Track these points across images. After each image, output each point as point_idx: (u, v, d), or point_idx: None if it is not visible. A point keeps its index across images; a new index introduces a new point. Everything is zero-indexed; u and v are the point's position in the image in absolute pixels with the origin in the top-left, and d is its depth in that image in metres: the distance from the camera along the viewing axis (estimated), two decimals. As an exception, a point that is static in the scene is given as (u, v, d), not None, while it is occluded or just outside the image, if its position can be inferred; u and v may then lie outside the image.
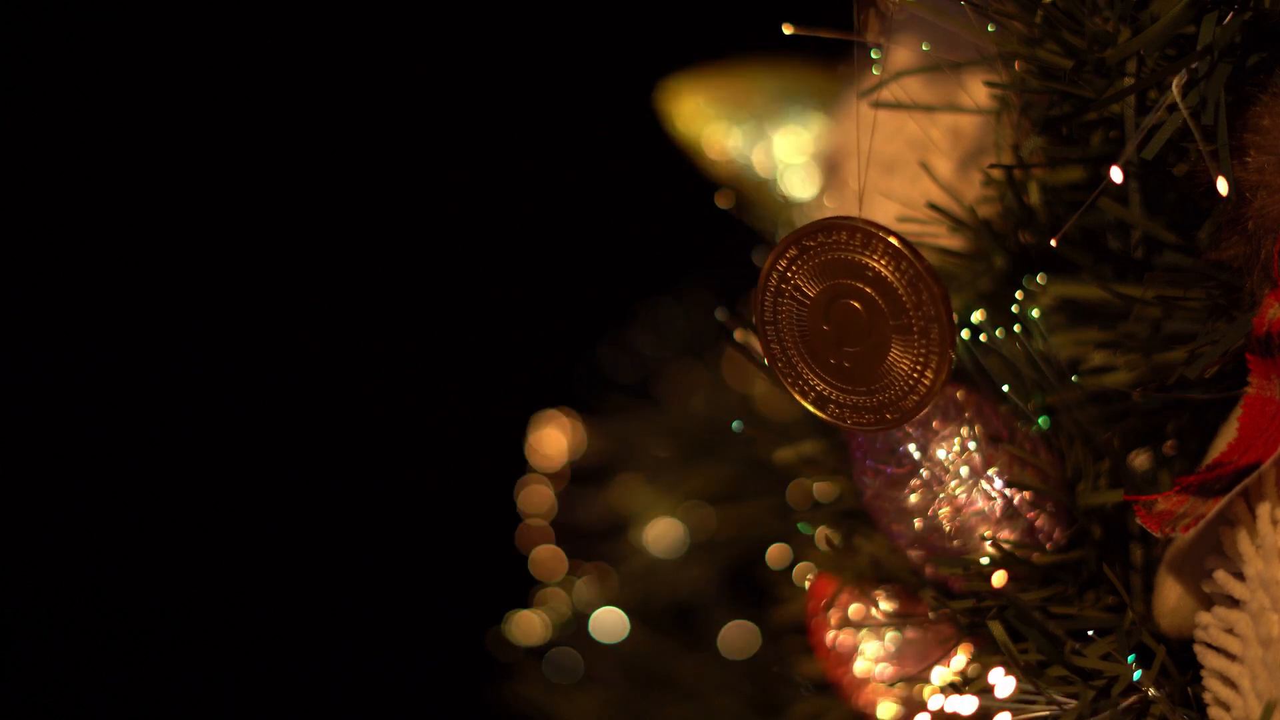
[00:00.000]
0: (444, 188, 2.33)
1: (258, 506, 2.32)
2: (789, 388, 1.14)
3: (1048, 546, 1.18)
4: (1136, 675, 1.13)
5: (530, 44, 2.31)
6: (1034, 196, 1.21)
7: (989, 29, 1.13)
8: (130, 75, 2.28)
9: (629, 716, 1.70)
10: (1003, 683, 1.14)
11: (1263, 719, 1.07)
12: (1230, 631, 1.09)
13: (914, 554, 1.20)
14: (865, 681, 1.29)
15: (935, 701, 1.16)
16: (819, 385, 1.13)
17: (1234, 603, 1.09)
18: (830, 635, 1.30)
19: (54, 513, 2.29)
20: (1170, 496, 1.10)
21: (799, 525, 1.30)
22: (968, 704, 1.15)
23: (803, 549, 1.38)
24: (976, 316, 1.20)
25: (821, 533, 1.27)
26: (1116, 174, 1.11)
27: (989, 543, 1.17)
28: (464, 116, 2.33)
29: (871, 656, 1.29)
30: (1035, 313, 1.19)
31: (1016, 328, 1.18)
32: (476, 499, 2.14)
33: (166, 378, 2.31)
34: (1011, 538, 1.17)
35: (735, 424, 1.56)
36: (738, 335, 1.28)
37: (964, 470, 1.17)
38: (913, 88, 1.24)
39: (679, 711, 1.68)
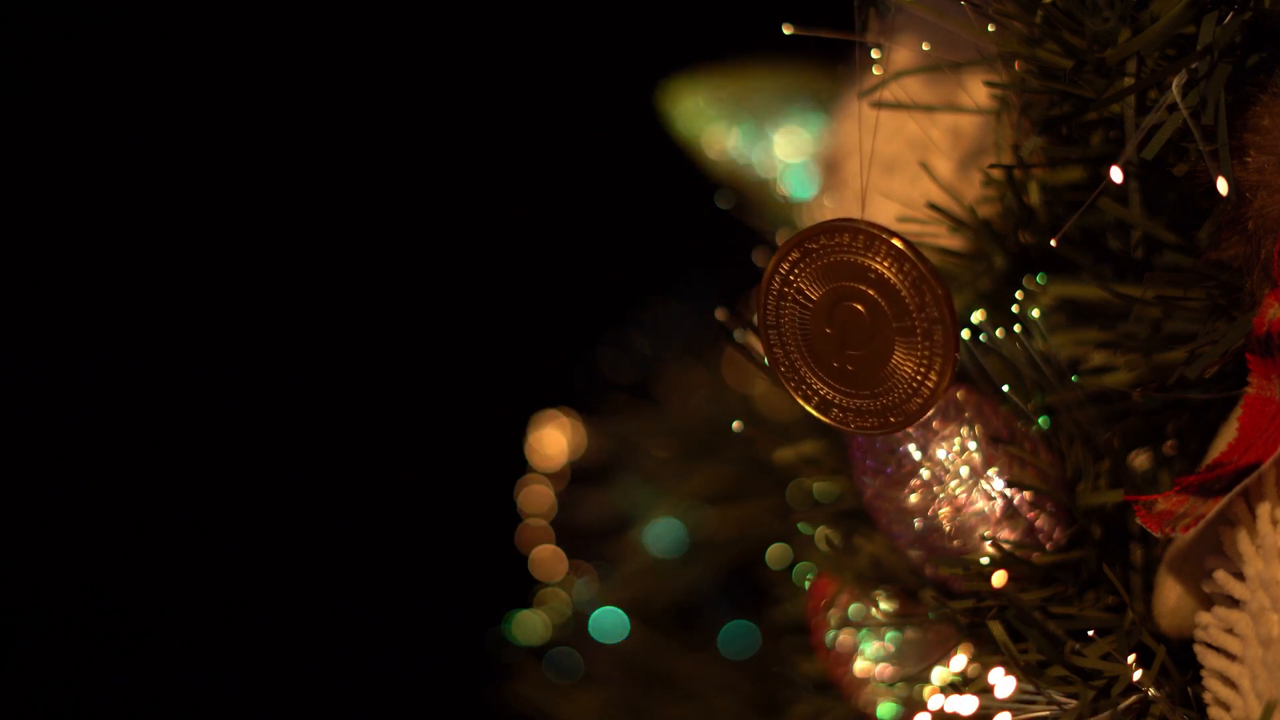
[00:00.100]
0: (444, 188, 2.33)
1: (258, 506, 2.32)
2: (792, 392, 1.14)
3: (1048, 546, 1.18)
4: (1136, 675, 1.13)
5: (530, 44, 2.31)
6: (1034, 196, 1.21)
7: (989, 29, 1.13)
8: (130, 75, 2.28)
9: (629, 716, 1.70)
10: (1003, 683, 1.14)
11: (1263, 719, 1.07)
12: (1230, 631, 1.09)
13: (914, 554, 1.20)
14: (865, 681, 1.29)
15: (935, 701, 1.16)
16: (822, 389, 1.13)
17: (1234, 603, 1.09)
18: (830, 635, 1.30)
19: (54, 513, 2.29)
20: (1170, 496, 1.10)
21: (799, 525, 1.30)
22: (968, 704, 1.15)
23: (803, 549, 1.38)
24: (976, 316, 1.20)
25: (821, 533, 1.27)
26: (1116, 174, 1.11)
27: (989, 543, 1.17)
28: (464, 116, 2.33)
29: (871, 656, 1.29)
30: (1035, 313, 1.19)
31: (1016, 328, 1.18)
32: (476, 499, 2.14)
33: (166, 378, 2.31)
34: (1011, 538, 1.17)
35: (735, 424, 1.56)
36: (738, 335, 1.28)
37: (964, 470, 1.17)
38: (913, 88, 1.24)
39: (679, 711, 1.68)
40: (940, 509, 1.18)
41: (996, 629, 1.15)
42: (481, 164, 2.32)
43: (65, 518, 2.29)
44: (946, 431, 1.17)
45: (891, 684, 1.27)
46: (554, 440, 1.82)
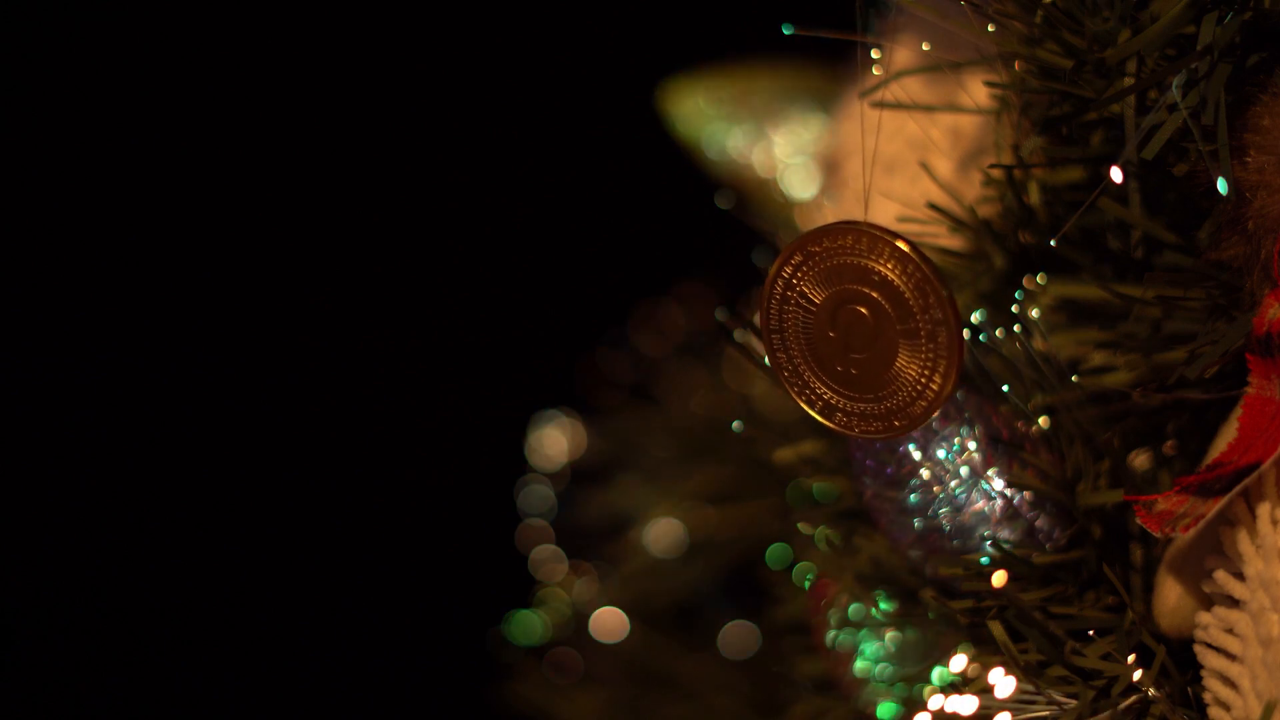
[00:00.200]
0: (444, 188, 2.33)
1: (258, 506, 2.32)
2: (796, 397, 1.13)
3: (1048, 546, 1.18)
4: (1136, 675, 1.13)
5: (530, 44, 2.31)
6: (1034, 196, 1.21)
7: (989, 29, 1.13)
8: (130, 75, 2.28)
9: (629, 716, 1.70)
10: (1003, 683, 1.14)
11: (1263, 719, 1.07)
12: (1230, 631, 1.09)
13: (914, 554, 1.20)
14: (865, 681, 1.29)
15: (935, 701, 1.16)
16: (826, 394, 1.13)
17: (1234, 603, 1.09)
18: (830, 635, 1.30)
19: (54, 513, 2.29)
20: (1170, 496, 1.10)
21: (799, 525, 1.30)
22: (968, 704, 1.15)
23: (803, 549, 1.38)
24: (976, 316, 1.20)
25: (821, 533, 1.27)
26: (1116, 174, 1.11)
27: (989, 543, 1.17)
28: (464, 116, 2.33)
29: (871, 656, 1.29)
30: (1035, 313, 1.19)
31: (1016, 328, 1.18)
32: (476, 499, 2.14)
33: (166, 378, 2.31)
34: (1011, 538, 1.17)
35: (735, 424, 1.56)
36: (738, 336, 1.28)
37: (964, 470, 1.17)
38: (913, 88, 1.24)
39: (679, 711, 1.68)
40: (940, 509, 1.18)
41: (996, 629, 1.15)
42: (481, 164, 2.32)
43: (65, 518, 2.29)
44: (946, 431, 1.17)
45: (891, 684, 1.27)
46: (554, 440, 1.82)
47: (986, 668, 1.15)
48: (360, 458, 2.34)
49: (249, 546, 2.31)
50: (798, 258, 1.11)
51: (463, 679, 1.83)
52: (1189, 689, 1.14)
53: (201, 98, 2.30)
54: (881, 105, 1.21)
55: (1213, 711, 1.11)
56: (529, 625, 1.75)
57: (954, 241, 1.24)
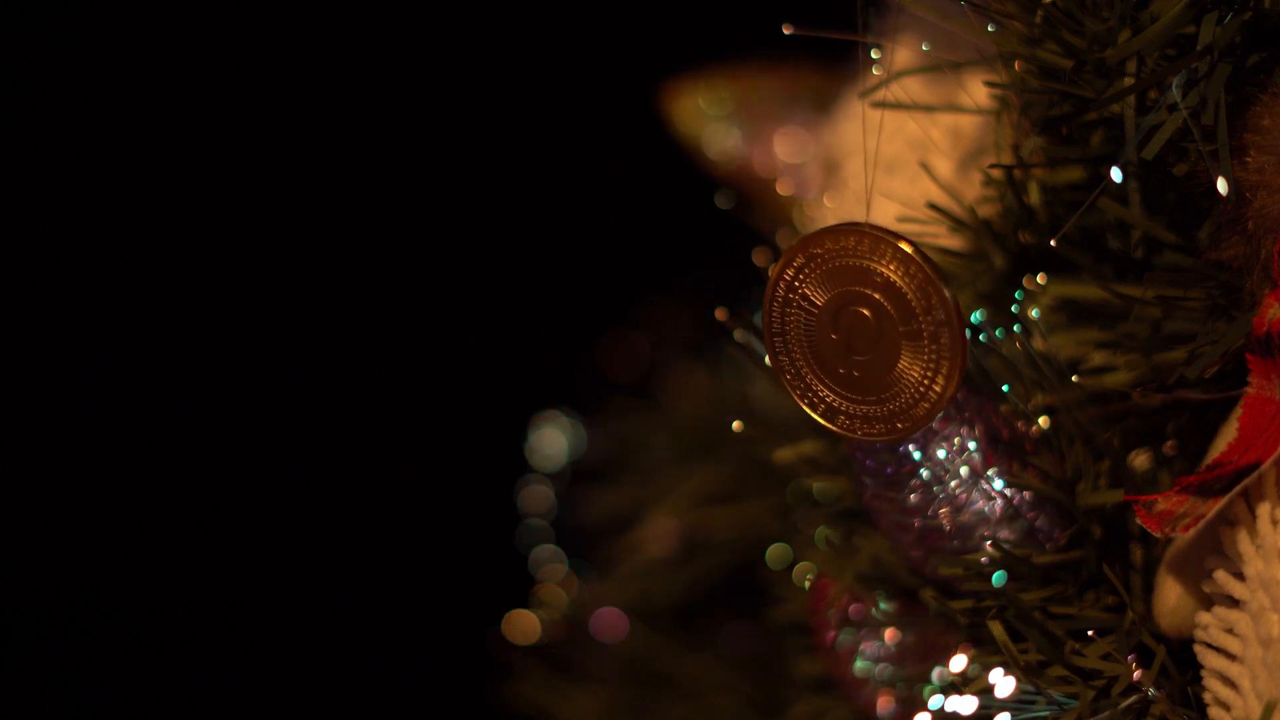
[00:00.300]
0: (444, 188, 2.33)
1: (258, 506, 2.32)
2: (798, 399, 1.13)
3: (1048, 546, 1.18)
4: (1136, 675, 1.13)
5: (530, 44, 2.31)
6: (1034, 196, 1.21)
7: (989, 29, 1.13)
8: (130, 75, 2.28)
9: (629, 716, 1.70)
10: (1003, 683, 1.14)
11: (1263, 719, 1.07)
12: (1230, 631, 1.09)
13: (914, 554, 1.20)
14: (865, 681, 1.29)
15: (935, 701, 1.16)
16: (829, 396, 1.13)
17: (1234, 603, 1.09)
18: (830, 635, 1.30)
19: (54, 513, 2.29)
20: (1170, 496, 1.10)
21: (799, 525, 1.30)
22: (968, 704, 1.15)
23: (803, 549, 1.38)
24: (976, 316, 1.20)
25: (821, 533, 1.27)
26: (1116, 174, 1.11)
27: (989, 543, 1.17)
28: (464, 116, 2.33)
29: (871, 656, 1.29)
30: (1035, 313, 1.19)
31: (1016, 328, 1.18)
32: (476, 499, 2.14)
33: (166, 378, 2.31)
34: (1011, 538, 1.17)
35: (735, 424, 1.56)
36: (738, 336, 1.28)
37: (964, 470, 1.17)
38: (913, 88, 1.24)
39: (679, 711, 1.68)
40: (940, 509, 1.18)
41: (996, 629, 1.15)
42: (481, 164, 2.32)
43: (65, 518, 2.29)
44: (946, 431, 1.17)
45: (891, 684, 1.27)
46: (554, 440, 1.82)
47: (986, 668, 1.15)
48: (360, 458, 2.34)
49: (249, 546, 2.31)
50: (800, 259, 1.11)
51: (463, 679, 1.83)
52: (1189, 689, 1.14)
53: (201, 98, 2.30)
54: (881, 105, 1.21)
55: (1213, 711, 1.11)
56: (528, 625, 1.75)
57: (954, 241, 1.24)
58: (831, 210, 1.44)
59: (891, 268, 1.09)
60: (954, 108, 1.26)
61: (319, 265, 2.34)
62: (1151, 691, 1.13)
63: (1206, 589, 1.11)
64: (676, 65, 1.68)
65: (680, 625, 1.71)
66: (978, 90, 1.23)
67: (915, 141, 1.31)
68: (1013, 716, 1.14)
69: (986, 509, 1.17)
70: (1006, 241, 1.23)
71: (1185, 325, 1.16)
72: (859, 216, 1.11)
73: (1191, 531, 1.08)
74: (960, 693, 1.15)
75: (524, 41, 2.31)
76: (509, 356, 2.32)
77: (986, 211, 1.23)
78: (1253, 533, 1.08)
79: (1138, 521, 1.11)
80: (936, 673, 1.20)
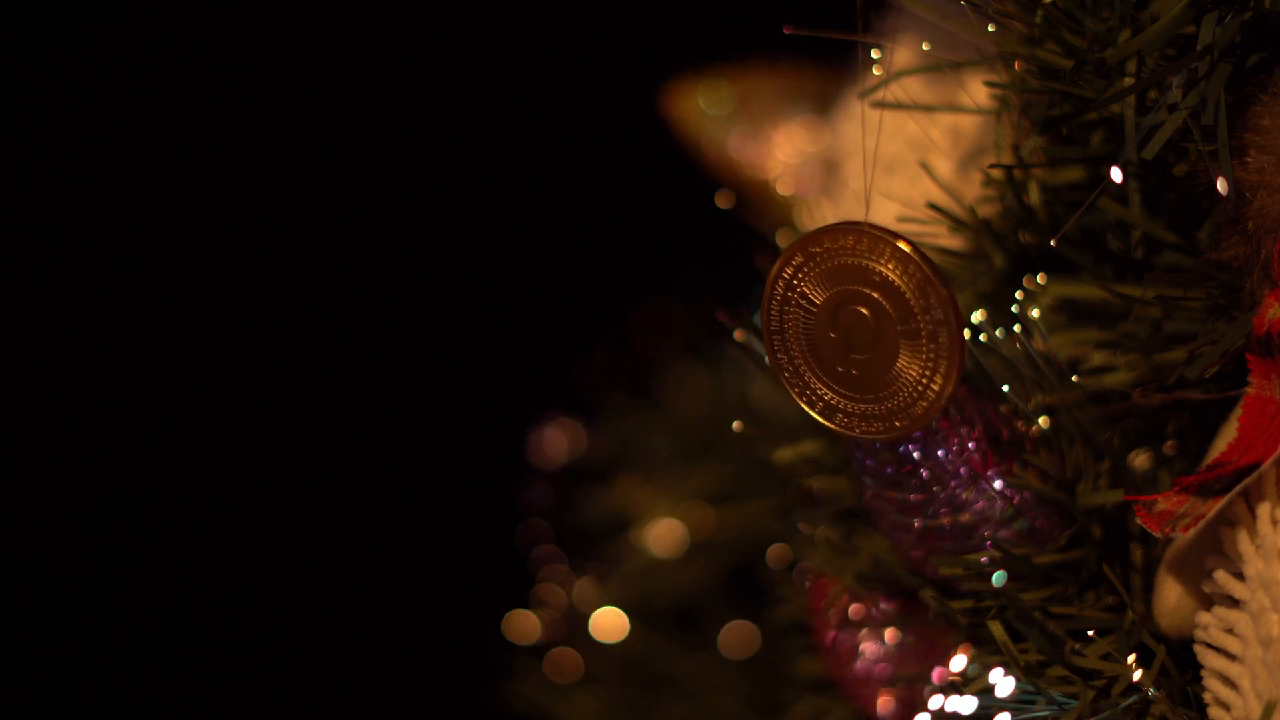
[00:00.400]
0: (444, 188, 2.33)
1: (258, 506, 2.32)
2: (796, 398, 1.13)
3: (1048, 546, 1.18)
4: (1136, 675, 1.13)
5: (530, 44, 2.31)
6: (1034, 196, 1.21)
7: (989, 29, 1.13)
8: (130, 75, 2.28)
9: (629, 716, 1.70)
10: (1003, 683, 1.14)
11: (1263, 719, 1.07)
12: (1230, 631, 1.09)
13: (914, 554, 1.20)
14: (865, 681, 1.29)
15: (935, 701, 1.16)
16: (827, 394, 1.13)
17: (1234, 603, 1.09)
18: (830, 635, 1.30)
19: (54, 513, 2.29)
20: (1170, 496, 1.10)
21: (799, 525, 1.30)
22: (968, 704, 1.15)
23: (803, 549, 1.38)
24: (976, 316, 1.20)
25: (821, 533, 1.27)
26: (1116, 174, 1.11)
27: (989, 543, 1.17)
28: (464, 116, 2.33)
29: (871, 656, 1.29)
30: (1035, 313, 1.19)
31: (1016, 328, 1.18)
32: (476, 499, 2.14)
33: (166, 378, 2.31)
34: (1011, 538, 1.17)
35: (735, 424, 1.56)
36: (738, 335, 1.28)
37: (964, 470, 1.17)
38: (913, 88, 1.24)
39: (679, 711, 1.68)
40: (940, 509, 1.18)
41: (996, 629, 1.15)
42: (481, 164, 2.32)
43: (65, 518, 2.29)
44: (946, 431, 1.17)
45: (891, 684, 1.27)
46: (554, 440, 1.82)
47: (986, 668, 1.15)
48: (360, 458, 2.34)
49: (249, 546, 2.31)
50: (798, 258, 1.11)
51: (463, 679, 1.83)
52: (1189, 689, 1.14)
53: (201, 98, 2.30)
54: (881, 105, 1.21)
55: (1213, 711, 1.11)
56: (529, 625, 1.75)
57: (954, 241, 1.24)
58: (832, 210, 1.44)
59: (890, 267, 1.09)
60: (954, 108, 1.26)
61: (319, 265, 2.34)
62: (1151, 691, 1.13)
63: (1206, 589, 1.11)
64: (676, 65, 1.68)
65: (680, 625, 1.71)
66: (978, 90, 1.23)
67: (915, 141, 1.31)
68: (1013, 716, 1.14)
69: (986, 509, 1.17)
70: (1006, 241, 1.23)
71: (1185, 325, 1.16)
72: (858, 216, 1.11)
73: (1191, 531, 1.08)
74: (960, 693, 1.15)
75: (524, 41, 2.31)
76: (509, 356, 2.32)
77: (986, 211, 1.23)
78: (1253, 533, 1.08)
79: (1138, 521, 1.11)
80: (936, 673, 1.20)
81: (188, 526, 2.31)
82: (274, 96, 2.31)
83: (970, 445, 1.17)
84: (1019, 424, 1.18)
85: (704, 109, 1.66)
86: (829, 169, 1.49)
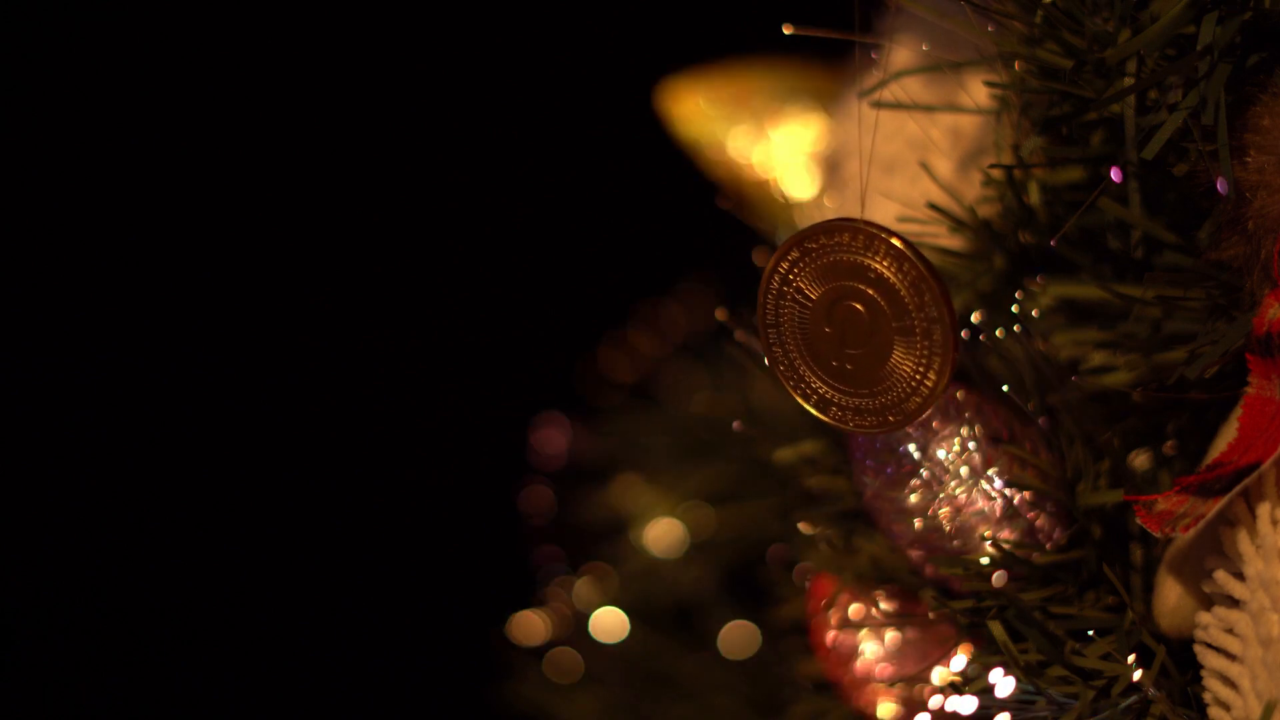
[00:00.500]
0: (444, 188, 2.33)
1: (258, 506, 2.32)
2: (791, 391, 1.14)
3: (1048, 546, 1.18)
4: (1136, 675, 1.13)
5: (530, 44, 2.31)
6: (1034, 196, 1.21)
7: (989, 29, 1.13)
8: (130, 75, 2.28)
9: (629, 716, 1.70)
10: (1003, 683, 1.14)
11: (1263, 719, 1.07)
12: (1230, 631, 1.09)
13: (914, 554, 1.20)
14: (865, 681, 1.29)
15: (935, 701, 1.16)
16: (821, 388, 1.13)
17: (1234, 603, 1.09)
18: (830, 635, 1.30)
19: (54, 513, 2.29)
20: (1170, 496, 1.10)
21: (799, 525, 1.30)
22: (968, 704, 1.15)
23: (803, 549, 1.38)
24: (976, 316, 1.20)
25: (821, 533, 1.27)
26: (1116, 174, 1.11)
27: (989, 543, 1.17)
28: (464, 116, 2.33)
29: (871, 656, 1.29)
30: (1035, 313, 1.19)
31: (1016, 328, 1.18)
32: (476, 499, 2.14)
33: (166, 378, 2.31)
34: (1011, 538, 1.17)
35: (735, 424, 1.56)
36: (738, 335, 1.28)
37: (964, 470, 1.17)
38: (913, 88, 1.24)
39: (679, 711, 1.68)
40: (940, 509, 1.18)
41: (996, 629, 1.15)
42: (481, 164, 2.32)
43: (65, 518, 2.29)
44: (946, 431, 1.17)
45: (891, 684, 1.27)
46: (554, 440, 1.82)
47: (986, 668, 1.15)
48: (360, 458, 2.34)
49: (249, 546, 2.31)
50: (794, 254, 1.11)
51: (463, 679, 1.83)
52: (1189, 689, 1.14)
53: (201, 97, 2.30)
54: (881, 105, 1.21)
55: (1213, 711, 1.11)
56: (529, 625, 1.75)
57: (954, 241, 1.24)
58: (831, 210, 1.44)
59: (885, 264, 1.09)
60: (954, 108, 1.26)
61: (319, 265, 2.34)
62: (1151, 691, 1.13)
63: (1206, 589, 1.11)
64: (676, 65, 1.68)
65: (680, 625, 1.71)
66: (978, 90, 1.23)
67: (915, 141, 1.31)
68: (1013, 716, 1.14)
69: (986, 509, 1.17)
70: (1006, 241, 1.23)
71: (1185, 325, 1.16)
72: (856, 215, 1.11)
73: (1191, 531, 1.08)
74: (960, 693, 1.15)
75: (524, 41, 2.31)
76: (509, 356, 2.32)
77: (986, 211, 1.23)
78: (1253, 533, 1.08)
79: (1138, 521, 1.11)
80: (936, 673, 1.20)
81: (188, 527, 2.31)
82: (274, 96, 2.31)
83: (970, 445, 1.17)
84: (1019, 424, 1.18)
85: (704, 109, 1.66)
86: (829, 169, 1.49)
